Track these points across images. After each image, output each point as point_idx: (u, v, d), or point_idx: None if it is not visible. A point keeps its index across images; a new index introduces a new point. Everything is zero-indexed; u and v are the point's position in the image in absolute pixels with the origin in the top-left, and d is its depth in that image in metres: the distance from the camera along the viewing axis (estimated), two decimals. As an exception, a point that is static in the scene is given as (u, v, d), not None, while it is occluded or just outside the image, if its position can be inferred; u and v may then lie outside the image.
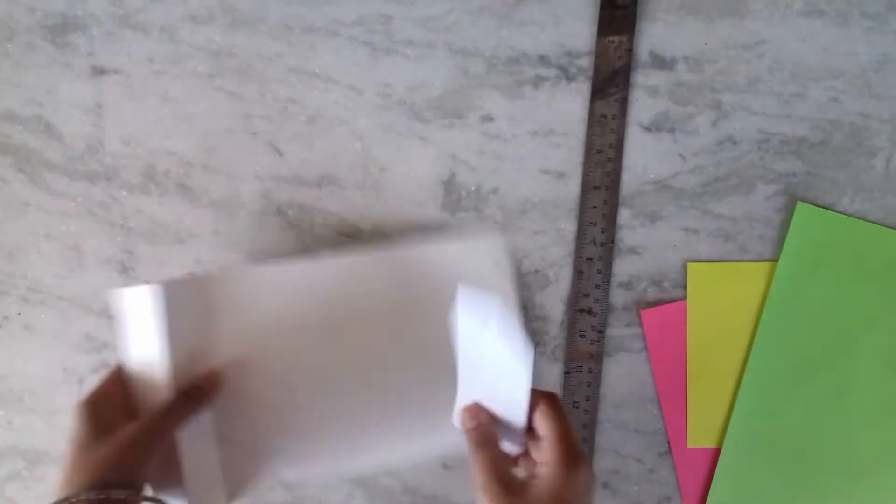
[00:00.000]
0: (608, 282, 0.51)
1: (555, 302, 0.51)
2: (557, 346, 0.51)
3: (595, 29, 0.50)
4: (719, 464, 0.50)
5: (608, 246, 0.50)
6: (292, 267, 0.48)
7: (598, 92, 0.50)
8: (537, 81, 0.51)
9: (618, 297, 0.51)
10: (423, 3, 0.51)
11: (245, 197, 0.52)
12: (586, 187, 0.51)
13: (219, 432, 0.46)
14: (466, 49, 0.51)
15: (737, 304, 0.50)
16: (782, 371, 0.49)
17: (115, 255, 0.52)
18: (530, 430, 0.38)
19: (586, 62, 0.51)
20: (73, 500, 0.36)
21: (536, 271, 0.51)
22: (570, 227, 0.51)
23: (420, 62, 0.51)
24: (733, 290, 0.50)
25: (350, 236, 0.52)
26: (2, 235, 0.53)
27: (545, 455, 0.36)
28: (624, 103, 0.50)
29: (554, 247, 0.51)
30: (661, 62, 0.51)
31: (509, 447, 0.39)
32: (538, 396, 0.37)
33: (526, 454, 0.39)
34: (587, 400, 0.50)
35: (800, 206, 0.50)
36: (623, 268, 0.51)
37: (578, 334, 0.51)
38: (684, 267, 0.51)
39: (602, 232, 0.50)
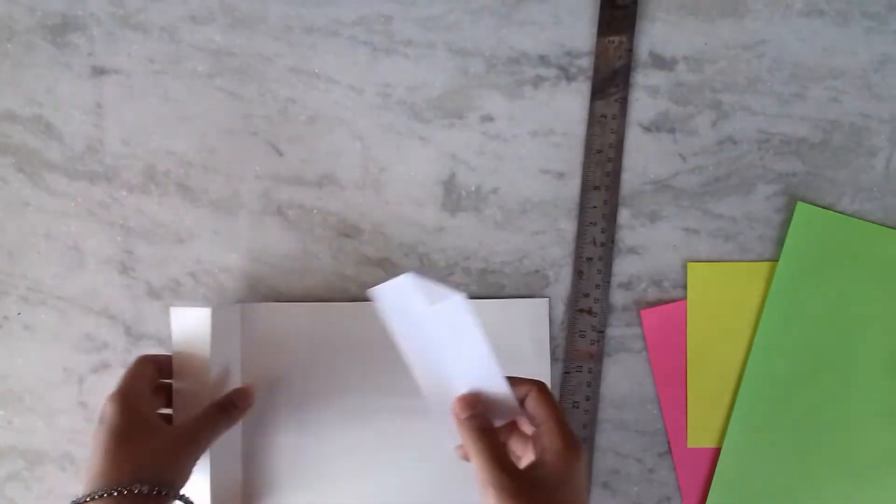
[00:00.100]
0: (608, 282, 0.51)
1: (555, 302, 0.51)
2: (557, 346, 0.51)
3: (595, 29, 0.50)
4: (719, 464, 0.50)
5: (608, 246, 0.50)
6: (316, 307, 0.51)
7: (598, 92, 0.50)
8: (537, 81, 0.51)
9: (618, 297, 0.51)
10: (423, 3, 0.51)
11: (245, 197, 0.52)
12: (586, 187, 0.51)
13: (244, 451, 0.50)
14: (466, 49, 0.51)
15: (737, 305, 0.50)
16: (782, 371, 0.49)
17: (115, 255, 0.52)
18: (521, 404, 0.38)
19: (586, 62, 0.51)
20: (122, 489, 0.38)
21: (536, 271, 0.51)
22: (570, 227, 0.51)
23: (420, 62, 0.51)
24: (733, 291, 0.50)
25: (350, 236, 0.52)
26: (2, 235, 0.53)
27: (545, 441, 0.36)
28: (624, 103, 0.50)
29: (554, 247, 0.51)
30: (661, 62, 0.51)
31: (502, 417, 0.39)
32: (528, 384, 0.37)
33: (523, 438, 0.39)
34: (587, 400, 0.50)
35: (800, 206, 0.50)
36: (623, 268, 0.51)
37: (578, 334, 0.51)
38: (684, 267, 0.51)
39: (602, 232, 0.50)
